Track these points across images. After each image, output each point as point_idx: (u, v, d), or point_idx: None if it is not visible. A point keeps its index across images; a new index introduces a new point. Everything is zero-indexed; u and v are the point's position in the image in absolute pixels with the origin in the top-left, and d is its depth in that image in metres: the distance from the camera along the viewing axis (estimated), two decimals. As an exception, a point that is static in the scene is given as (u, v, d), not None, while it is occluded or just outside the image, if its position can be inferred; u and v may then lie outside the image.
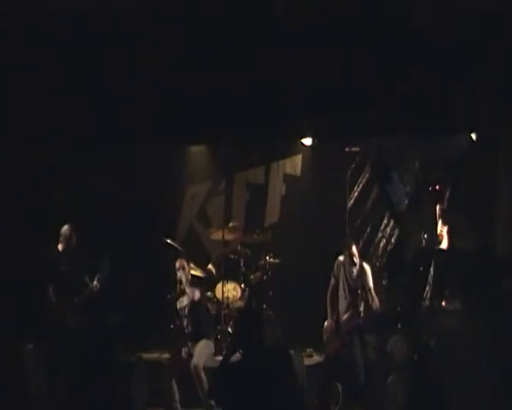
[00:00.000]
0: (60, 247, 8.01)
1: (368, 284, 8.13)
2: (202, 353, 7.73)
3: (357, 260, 8.22)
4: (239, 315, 6.57)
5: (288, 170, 10.45)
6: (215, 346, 8.37)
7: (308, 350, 9.00)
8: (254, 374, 4.94)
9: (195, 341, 7.85)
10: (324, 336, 8.30)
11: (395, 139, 9.40)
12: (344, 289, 8.29)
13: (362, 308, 8.11)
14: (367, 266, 8.26)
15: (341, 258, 8.34)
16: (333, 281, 8.36)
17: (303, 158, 10.33)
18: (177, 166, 10.45)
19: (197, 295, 8.00)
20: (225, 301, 9.08)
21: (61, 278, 7.77)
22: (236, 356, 5.35)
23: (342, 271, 8.34)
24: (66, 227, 8.06)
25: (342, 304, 8.27)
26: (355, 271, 8.23)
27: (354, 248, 8.23)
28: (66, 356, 7.58)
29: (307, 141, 9.79)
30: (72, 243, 8.04)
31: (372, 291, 8.13)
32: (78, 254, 8.02)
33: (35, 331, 7.71)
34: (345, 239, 8.55)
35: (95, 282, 7.92)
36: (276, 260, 9.50)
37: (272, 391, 4.93)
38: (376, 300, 8.10)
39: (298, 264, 9.70)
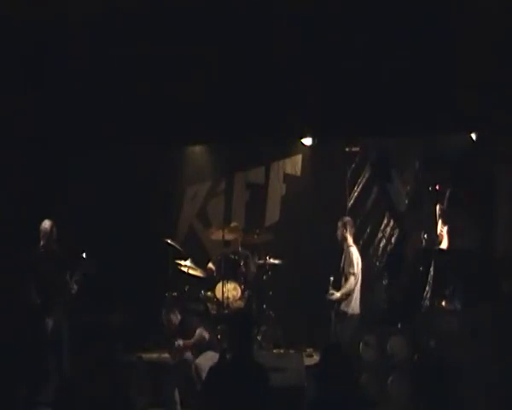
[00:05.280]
0: (41, 243, 7.82)
1: (347, 267, 8.30)
2: (207, 358, 7.68)
3: (348, 241, 8.39)
4: (235, 316, 6.57)
5: (288, 170, 10.44)
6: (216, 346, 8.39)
7: (308, 350, 8.99)
8: (250, 374, 4.95)
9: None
10: None
11: (395, 139, 9.40)
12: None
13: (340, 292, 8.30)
14: (352, 251, 8.36)
15: None
16: None
17: (303, 158, 10.33)
18: (177, 166, 10.45)
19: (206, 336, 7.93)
20: (225, 301, 9.08)
21: (42, 277, 7.64)
22: (233, 356, 5.34)
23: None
24: (45, 221, 7.88)
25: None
26: (344, 252, 8.43)
27: (344, 230, 8.43)
28: (62, 357, 7.58)
29: (307, 141, 9.79)
30: (53, 237, 7.84)
31: (349, 277, 8.25)
32: (59, 252, 7.89)
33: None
34: (342, 218, 8.67)
35: (74, 279, 7.78)
36: (276, 261, 9.50)
37: (267, 391, 4.94)
38: (347, 285, 8.23)
39: (298, 264, 9.70)
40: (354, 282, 8.29)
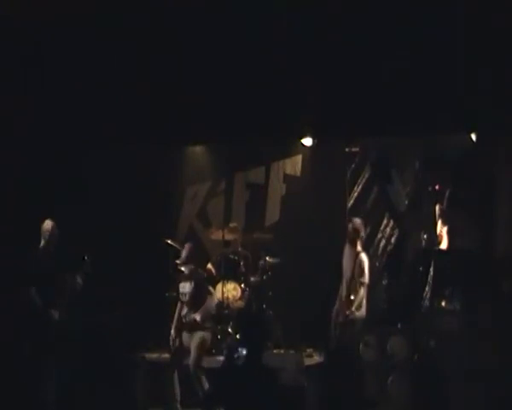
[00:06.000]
0: (41, 243, 7.72)
1: (359, 276, 8.14)
2: (199, 351, 7.65)
3: (358, 248, 8.22)
4: (239, 316, 6.57)
5: (288, 170, 10.44)
6: (215, 346, 8.41)
7: (308, 350, 8.99)
8: (255, 375, 4.94)
9: (191, 332, 7.76)
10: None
11: (395, 139, 9.40)
12: (344, 279, 8.32)
13: (354, 307, 8.15)
14: (364, 259, 8.23)
15: (347, 245, 8.38)
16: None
17: (303, 158, 10.33)
18: (177, 166, 10.45)
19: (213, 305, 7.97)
20: (225, 301, 9.08)
21: (43, 278, 7.54)
22: (237, 357, 5.35)
23: (344, 259, 8.37)
24: (47, 222, 7.75)
25: (341, 292, 8.30)
26: (352, 258, 8.25)
27: (355, 233, 8.24)
28: (61, 357, 7.58)
29: (307, 141, 9.78)
30: (55, 238, 7.73)
31: (360, 286, 8.12)
32: (61, 252, 7.85)
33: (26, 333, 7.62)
34: (353, 219, 8.51)
35: (78, 280, 7.72)
36: (276, 260, 9.49)
37: (273, 392, 4.94)
38: (361, 297, 8.10)
39: (298, 264, 9.70)
40: (364, 292, 8.15)
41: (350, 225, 8.38)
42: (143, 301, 9.19)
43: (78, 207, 9.21)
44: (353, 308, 8.09)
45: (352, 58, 7.68)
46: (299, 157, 10.36)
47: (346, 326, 8.15)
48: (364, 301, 8.21)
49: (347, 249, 8.36)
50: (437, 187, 8.86)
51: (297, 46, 7.66)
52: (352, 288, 8.16)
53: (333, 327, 8.32)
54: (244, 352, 5.20)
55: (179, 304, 7.97)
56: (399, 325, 8.12)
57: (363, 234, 8.43)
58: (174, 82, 8.09)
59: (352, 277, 8.18)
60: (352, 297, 8.13)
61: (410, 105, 8.04)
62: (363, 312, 8.20)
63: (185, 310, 7.85)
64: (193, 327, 7.70)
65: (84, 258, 7.82)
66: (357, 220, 8.49)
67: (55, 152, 9.03)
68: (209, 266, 9.65)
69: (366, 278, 8.15)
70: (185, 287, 7.87)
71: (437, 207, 8.72)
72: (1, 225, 8.31)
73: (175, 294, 8.27)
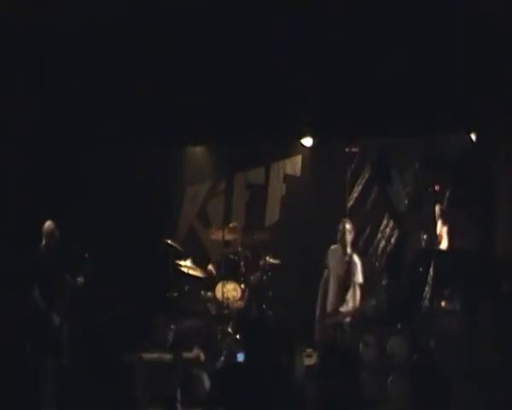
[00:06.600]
0: (42, 243, 7.75)
1: (355, 277, 8.09)
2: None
3: (349, 249, 8.18)
4: (239, 316, 6.57)
5: (288, 170, 10.45)
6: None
7: (308, 350, 8.99)
8: (255, 375, 4.95)
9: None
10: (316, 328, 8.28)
11: (395, 139, 9.40)
12: (333, 281, 8.28)
13: (350, 303, 8.11)
14: (357, 260, 8.17)
15: (333, 247, 8.32)
16: (326, 271, 8.34)
17: (303, 158, 10.33)
18: (177, 166, 10.46)
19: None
20: (225, 301, 9.08)
21: (43, 278, 7.57)
22: (237, 356, 5.36)
23: (333, 260, 8.32)
24: (48, 223, 7.78)
25: (331, 296, 8.25)
26: (345, 261, 8.18)
27: (349, 234, 8.16)
28: (62, 358, 7.58)
29: (307, 141, 9.79)
30: (55, 239, 7.76)
31: (357, 287, 8.08)
32: (61, 252, 7.86)
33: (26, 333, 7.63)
34: (343, 220, 8.39)
35: (78, 279, 7.75)
36: (276, 260, 9.49)
37: (273, 391, 4.95)
38: (358, 298, 8.06)
39: (298, 264, 9.70)
40: (360, 292, 8.11)
41: (340, 226, 8.21)
42: (143, 301, 9.19)
43: (78, 207, 9.21)
44: (350, 308, 8.08)
45: (352, 58, 7.68)
46: (299, 157, 10.36)
47: (343, 327, 8.14)
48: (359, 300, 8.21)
49: (338, 251, 8.21)
50: (437, 187, 8.86)
51: (297, 46, 7.66)
52: (347, 288, 8.14)
53: (328, 328, 8.27)
54: (244, 352, 5.21)
55: None
56: (399, 325, 8.12)
57: (353, 232, 8.34)
58: (174, 82, 8.09)
59: (347, 277, 8.12)
60: (347, 297, 8.13)
61: (410, 105, 8.05)
62: (361, 311, 8.19)
63: None
64: None
65: (84, 255, 7.84)
66: (349, 221, 8.35)
67: (55, 152, 9.03)
68: (209, 267, 9.65)
69: (360, 279, 8.13)
70: None
71: (437, 207, 8.72)
72: (1, 225, 8.31)
73: (175, 294, 8.29)
